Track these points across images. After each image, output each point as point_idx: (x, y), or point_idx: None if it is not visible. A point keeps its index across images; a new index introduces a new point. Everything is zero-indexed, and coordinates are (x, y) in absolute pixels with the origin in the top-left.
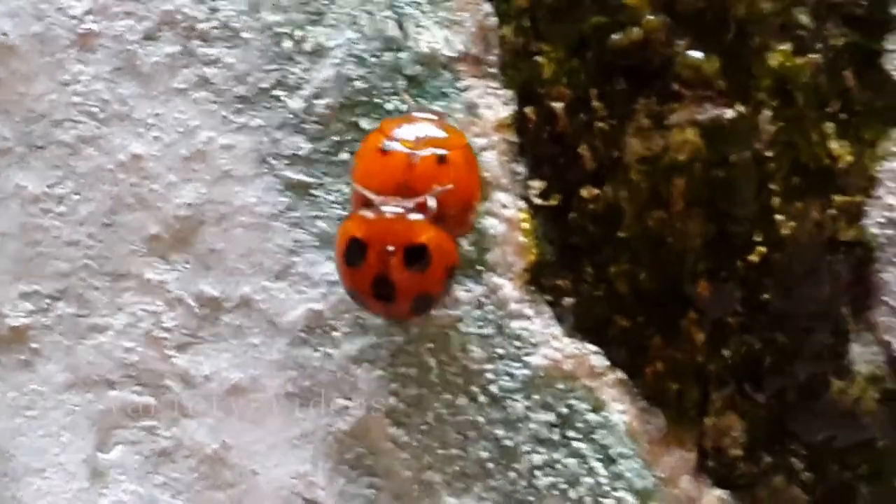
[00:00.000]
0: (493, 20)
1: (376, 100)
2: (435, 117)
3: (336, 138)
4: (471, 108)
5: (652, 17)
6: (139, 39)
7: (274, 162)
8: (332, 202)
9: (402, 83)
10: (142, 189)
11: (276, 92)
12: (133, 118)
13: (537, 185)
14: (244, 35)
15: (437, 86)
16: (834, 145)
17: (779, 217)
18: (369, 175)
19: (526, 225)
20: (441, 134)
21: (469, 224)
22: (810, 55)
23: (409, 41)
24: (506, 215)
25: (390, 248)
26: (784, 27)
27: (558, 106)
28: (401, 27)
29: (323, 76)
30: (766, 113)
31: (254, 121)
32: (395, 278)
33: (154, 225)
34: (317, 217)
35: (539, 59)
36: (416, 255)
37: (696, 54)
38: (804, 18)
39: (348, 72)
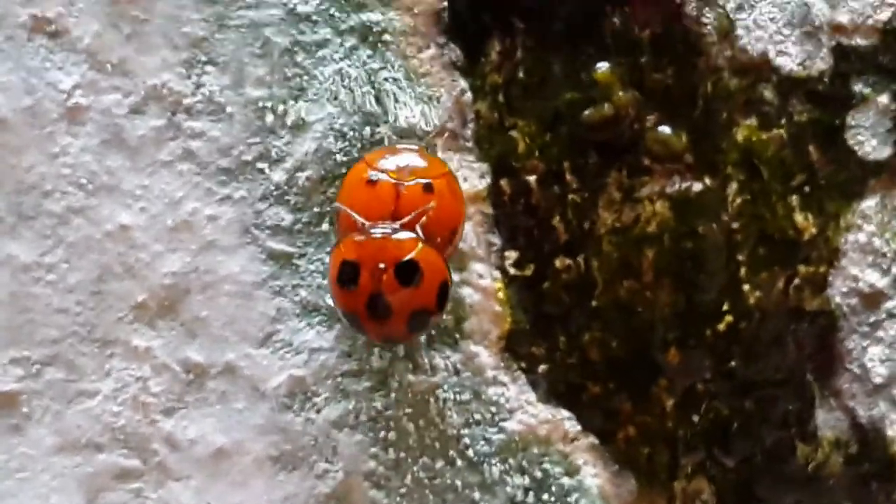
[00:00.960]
0: (469, 95)
1: None
2: (416, 147)
3: (317, 210)
4: None
5: (622, 94)
6: (126, 113)
7: (257, 232)
8: (314, 271)
9: None
10: (129, 258)
11: (260, 164)
12: (121, 189)
13: (512, 255)
14: (228, 109)
15: None
16: (799, 217)
17: (745, 287)
18: (357, 205)
19: (501, 294)
20: (424, 163)
21: (455, 246)
22: (775, 130)
23: (389, 116)
24: (482, 285)
25: (381, 265)
26: (750, 103)
27: (532, 179)
28: (378, 103)
29: (304, 149)
30: (734, 186)
31: (237, 192)
32: (389, 296)
33: (141, 293)
34: (298, 286)
35: (513, 133)
36: (407, 271)
37: (665, 129)
38: (769, 95)
39: (329, 145)
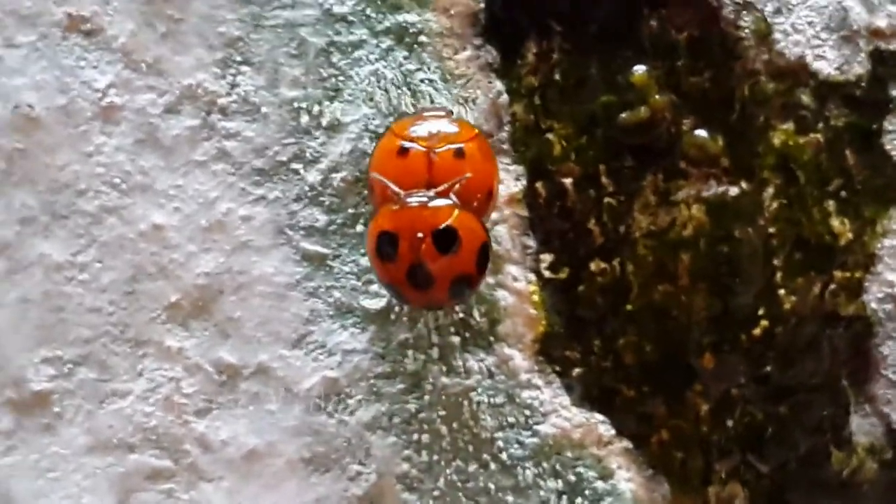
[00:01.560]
0: (505, 98)
1: None
2: (443, 113)
3: (352, 211)
4: None
5: (659, 97)
6: (161, 113)
7: (291, 233)
8: (348, 273)
9: None
10: (162, 258)
11: (294, 165)
12: (154, 189)
13: (547, 258)
14: (263, 109)
15: None
16: (835, 222)
17: (781, 292)
18: (390, 176)
19: (535, 297)
20: (453, 128)
21: (492, 207)
22: (812, 134)
23: None
24: (516, 288)
25: (420, 234)
26: (786, 107)
27: (568, 182)
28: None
29: (340, 150)
30: (770, 190)
31: (272, 193)
32: (429, 264)
33: (174, 293)
34: (332, 287)
35: (549, 136)
36: (445, 238)
37: (702, 133)
38: (806, 99)
39: (364, 146)
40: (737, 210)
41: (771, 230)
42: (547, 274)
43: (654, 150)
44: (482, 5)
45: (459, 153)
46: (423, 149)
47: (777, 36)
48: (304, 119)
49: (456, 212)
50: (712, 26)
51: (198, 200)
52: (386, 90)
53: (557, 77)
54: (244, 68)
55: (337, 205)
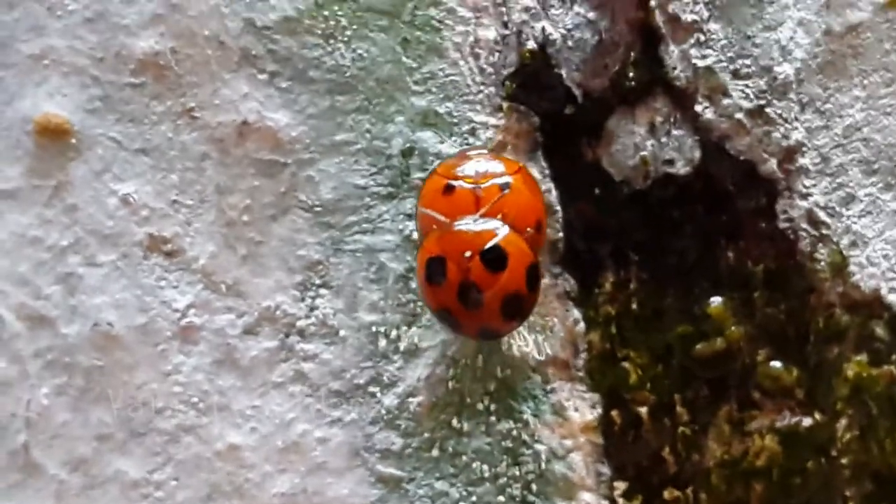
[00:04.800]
0: (582, 326)
1: (468, 399)
2: (485, 150)
3: (428, 435)
4: (558, 411)
5: (735, 328)
6: (239, 334)
7: (367, 455)
8: (423, 496)
9: (492, 385)
10: (238, 478)
11: (371, 388)
12: (231, 409)
13: (621, 485)
14: (342, 333)
15: (527, 388)
16: None
17: None
18: (439, 212)
19: None
20: (496, 163)
21: (543, 238)
22: (885, 366)
23: (502, 345)
24: None
25: (467, 254)
26: (861, 339)
27: (643, 410)
28: None
29: (417, 375)
30: (843, 421)
31: (348, 415)
32: (479, 283)
33: None
34: None
35: (625, 364)
36: (494, 256)
37: (777, 364)
38: (880, 331)
39: (441, 372)
40: (810, 441)
41: (843, 461)
42: (621, 502)
43: (728, 381)
44: (561, 234)
45: (505, 186)
46: (469, 185)
47: (853, 268)
48: (382, 343)
49: (503, 231)
50: (789, 259)
51: (274, 421)
52: None
53: (634, 306)
54: (323, 291)
55: (413, 429)
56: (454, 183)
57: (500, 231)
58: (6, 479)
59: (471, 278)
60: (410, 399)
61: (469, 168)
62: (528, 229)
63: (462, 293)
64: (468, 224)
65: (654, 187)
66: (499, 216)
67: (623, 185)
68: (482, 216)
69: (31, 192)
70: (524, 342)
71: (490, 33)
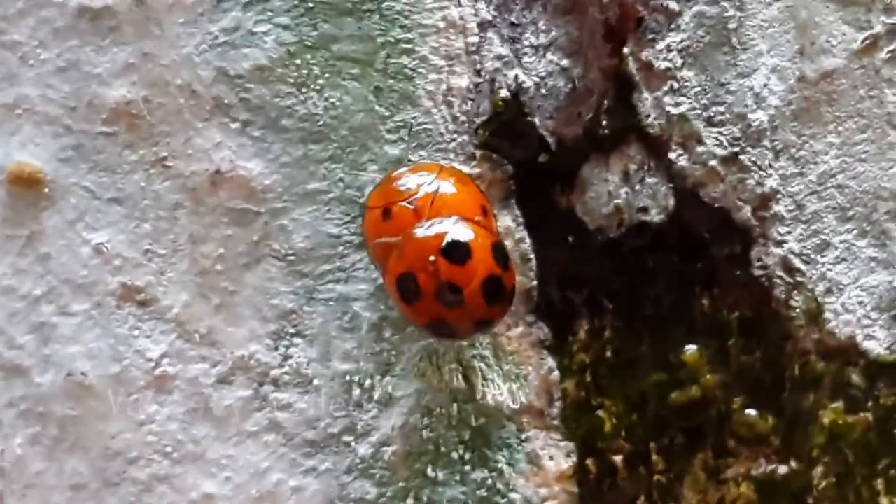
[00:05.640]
0: (556, 374)
1: (442, 448)
2: (404, 168)
3: (402, 484)
4: (533, 459)
5: (710, 377)
6: (213, 383)
7: None
8: None
9: (467, 434)
10: None
11: (346, 437)
12: (206, 458)
13: None
14: (316, 382)
15: (502, 437)
16: (884, 501)
17: None
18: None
19: None
20: (418, 175)
21: (494, 222)
22: (861, 413)
23: (476, 394)
24: None
25: (431, 258)
26: (836, 386)
27: (618, 459)
28: (466, 380)
29: (391, 424)
30: (819, 469)
31: (323, 465)
32: (452, 279)
33: None
34: None
35: (600, 413)
36: (455, 249)
37: (752, 412)
38: (856, 378)
39: (416, 421)
40: (786, 489)
41: None
42: None
43: (704, 429)
44: (535, 283)
45: (435, 189)
46: (404, 203)
47: (828, 315)
48: (356, 392)
49: (454, 224)
50: (764, 306)
51: (249, 471)
52: (438, 366)
53: (609, 355)
54: (297, 340)
55: (388, 478)
56: (389, 207)
57: (451, 225)
58: None
59: (442, 279)
60: (385, 448)
61: (395, 188)
62: (476, 217)
63: (440, 297)
64: (420, 231)
65: (629, 235)
66: (427, 203)
67: (597, 233)
68: (428, 220)
69: (4, 242)
70: (499, 391)
71: (463, 81)
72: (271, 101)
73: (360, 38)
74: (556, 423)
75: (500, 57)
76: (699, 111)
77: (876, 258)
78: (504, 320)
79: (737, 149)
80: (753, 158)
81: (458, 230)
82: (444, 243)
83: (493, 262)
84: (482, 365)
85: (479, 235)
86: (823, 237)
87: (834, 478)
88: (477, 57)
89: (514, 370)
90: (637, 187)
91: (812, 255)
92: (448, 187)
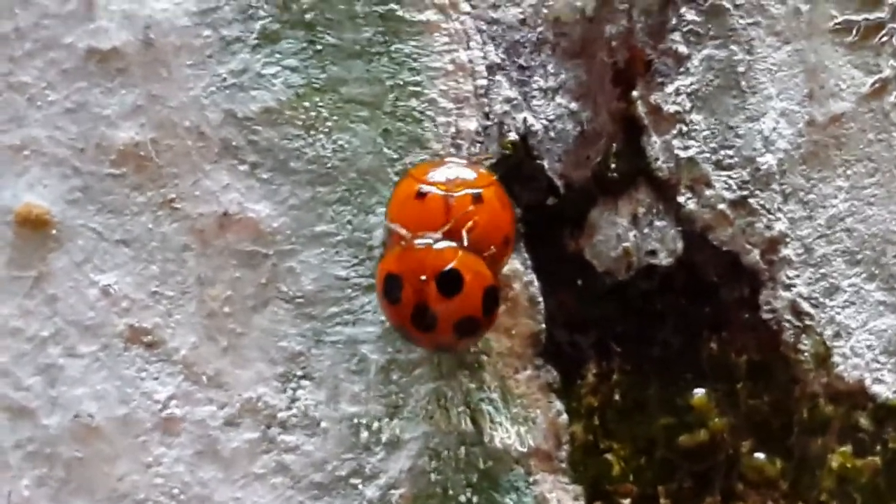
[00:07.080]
0: (564, 417)
1: (450, 491)
2: (463, 161)
3: None
4: (541, 503)
5: (718, 420)
6: (220, 425)
7: None
8: None
9: (475, 477)
10: None
11: (353, 480)
12: (213, 501)
13: None
14: (323, 424)
15: (510, 480)
16: None
17: None
18: (408, 220)
19: None
20: (471, 173)
21: (509, 255)
22: (870, 457)
23: (484, 437)
24: None
25: (423, 277)
26: (845, 430)
27: (626, 502)
28: (474, 423)
29: (399, 467)
30: None
31: None
32: (433, 307)
33: None
34: None
35: (608, 456)
36: (449, 280)
37: (761, 456)
38: (864, 422)
39: (423, 464)
40: None
41: None
42: None
43: (712, 472)
44: (543, 326)
45: (477, 198)
46: (441, 192)
47: (836, 359)
48: (364, 435)
49: (460, 254)
50: (772, 349)
51: None
52: (446, 409)
53: (617, 398)
54: (305, 383)
55: None
56: (426, 189)
57: (457, 253)
58: None
59: (425, 302)
60: (392, 491)
61: (443, 174)
62: (492, 247)
63: (416, 315)
64: (428, 242)
65: (637, 278)
66: (465, 229)
67: (605, 276)
68: (445, 233)
69: (11, 283)
70: (507, 434)
71: (471, 124)
72: (279, 144)
73: (368, 81)
74: (564, 466)
75: (508, 100)
76: (708, 154)
77: (884, 302)
78: (512, 363)
79: (745, 192)
80: (762, 202)
81: (461, 262)
82: (441, 271)
83: (478, 305)
84: (490, 408)
85: (478, 274)
86: (832, 281)
87: None
88: (486, 100)
89: (523, 413)
90: (646, 230)
91: (821, 299)
92: (489, 201)
